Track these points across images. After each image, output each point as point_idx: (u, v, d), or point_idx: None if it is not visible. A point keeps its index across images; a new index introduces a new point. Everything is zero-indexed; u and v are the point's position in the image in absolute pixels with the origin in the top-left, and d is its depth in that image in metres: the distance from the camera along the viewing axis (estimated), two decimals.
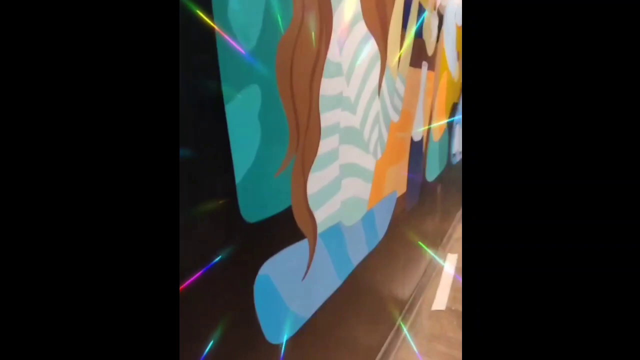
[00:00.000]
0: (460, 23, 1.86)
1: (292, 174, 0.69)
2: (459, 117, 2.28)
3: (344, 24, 0.79)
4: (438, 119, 1.84)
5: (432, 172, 1.89)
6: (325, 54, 0.74)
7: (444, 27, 1.62)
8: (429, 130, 1.68)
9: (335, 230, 0.92)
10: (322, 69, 0.74)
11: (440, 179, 2.11)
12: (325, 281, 0.91)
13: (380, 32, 0.97)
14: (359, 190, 1.01)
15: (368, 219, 1.11)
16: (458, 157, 2.52)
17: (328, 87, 0.77)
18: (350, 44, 0.83)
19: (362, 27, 0.88)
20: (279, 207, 0.68)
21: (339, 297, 0.99)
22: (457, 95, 2.15)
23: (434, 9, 1.43)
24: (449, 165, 2.28)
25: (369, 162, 1.05)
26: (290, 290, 0.76)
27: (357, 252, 1.08)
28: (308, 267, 0.81)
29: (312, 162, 0.75)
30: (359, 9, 0.85)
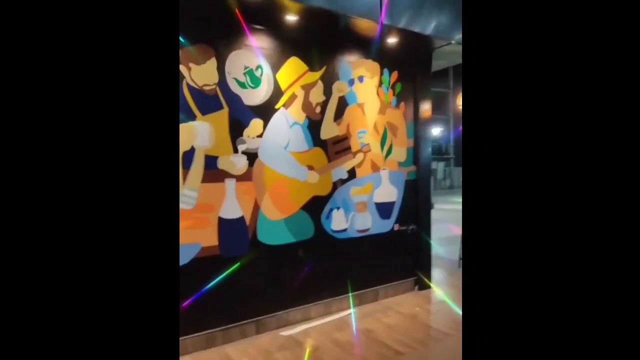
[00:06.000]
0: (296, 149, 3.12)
1: None
2: (329, 207, 3.32)
3: None
4: (277, 209, 3.05)
5: (275, 238, 3.05)
6: None
7: (260, 157, 2.95)
8: (253, 211, 2.93)
9: None
10: None
11: (305, 246, 3.18)
12: None
13: None
14: None
15: None
16: (351, 234, 3.45)
17: None
18: None
19: None
20: None
21: None
22: (316, 190, 3.25)
23: (236, 152, 2.83)
24: (322, 238, 3.29)
25: None
26: None
27: None
28: None
29: None
30: None
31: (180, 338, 2.64)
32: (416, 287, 3.96)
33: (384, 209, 3.70)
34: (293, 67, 3.10)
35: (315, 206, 3.27)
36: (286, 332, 3.04)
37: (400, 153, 3.80)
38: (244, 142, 2.87)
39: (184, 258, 2.65)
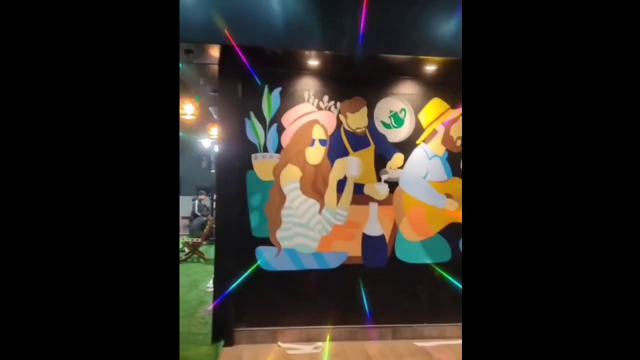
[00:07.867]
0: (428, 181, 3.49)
1: (269, 229, 3.34)
2: None
3: (288, 198, 3.36)
4: (414, 231, 3.48)
5: (412, 257, 3.46)
6: (281, 206, 3.35)
7: (400, 186, 3.47)
8: (392, 231, 3.45)
9: (292, 251, 3.35)
10: (280, 209, 3.35)
11: (441, 268, 3.48)
12: (285, 264, 3.34)
13: (316, 196, 3.38)
14: (305, 242, 3.36)
15: (317, 255, 3.37)
16: None
17: (286, 213, 3.35)
18: (292, 201, 3.36)
19: (301, 196, 3.37)
20: (265, 234, 3.33)
21: (294, 275, 3.34)
22: (455, 217, 3.50)
23: (379, 180, 3.45)
24: (460, 263, 3.49)
25: (314, 235, 3.37)
26: (270, 257, 3.33)
27: (309, 263, 3.36)
28: (277, 255, 3.33)
29: (277, 228, 3.34)
30: (299, 193, 3.37)
31: (332, 326, 3.36)
32: None
33: None
34: (435, 106, 3.51)
35: (454, 232, 3.51)
36: (419, 343, 3.36)
37: None
38: (386, 172, 3.45)
39: (336, 262, 3.40)
